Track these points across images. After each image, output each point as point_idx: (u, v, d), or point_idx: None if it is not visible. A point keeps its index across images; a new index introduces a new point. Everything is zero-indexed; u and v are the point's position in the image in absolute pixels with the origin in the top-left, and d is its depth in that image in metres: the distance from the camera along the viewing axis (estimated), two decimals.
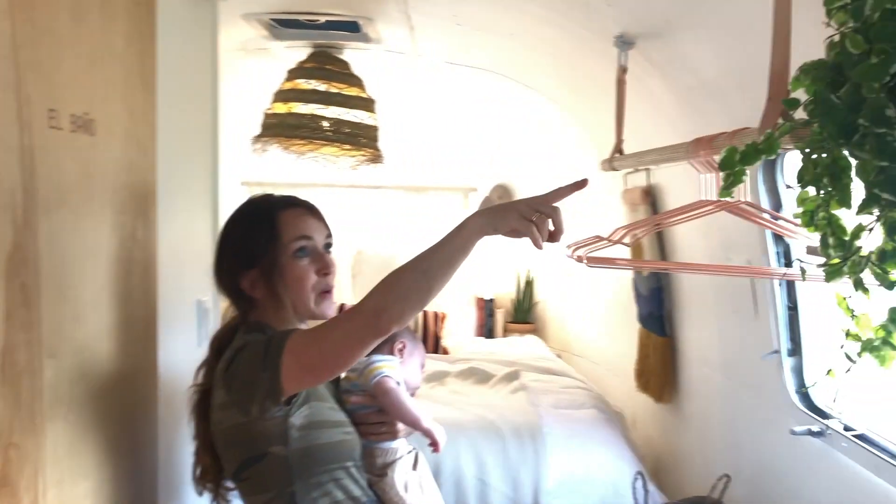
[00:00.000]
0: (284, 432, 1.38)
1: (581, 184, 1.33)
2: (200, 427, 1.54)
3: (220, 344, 1.53)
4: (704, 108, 2.16)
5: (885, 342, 0.80)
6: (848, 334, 0.87)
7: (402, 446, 1.69)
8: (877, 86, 0.75)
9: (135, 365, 1.70)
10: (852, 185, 0.84)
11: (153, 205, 1.76)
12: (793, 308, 2.03)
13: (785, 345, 2.03)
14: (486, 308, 4.85)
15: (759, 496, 2.22)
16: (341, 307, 4.31)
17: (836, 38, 0.89)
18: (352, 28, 3.23)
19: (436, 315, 4.31)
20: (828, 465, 1.82)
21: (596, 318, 4.29)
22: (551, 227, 1.27)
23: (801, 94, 0.96)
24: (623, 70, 2.22)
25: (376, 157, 3.59)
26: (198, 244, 2.20)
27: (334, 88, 3.44)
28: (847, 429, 1.80)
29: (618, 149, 2.25)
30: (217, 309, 2.36)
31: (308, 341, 1.34)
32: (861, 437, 1.74)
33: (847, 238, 0.81)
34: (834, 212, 0.83)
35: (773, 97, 1.22)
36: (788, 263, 2.02)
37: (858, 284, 0.87)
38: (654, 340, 3.08)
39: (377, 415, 1.65)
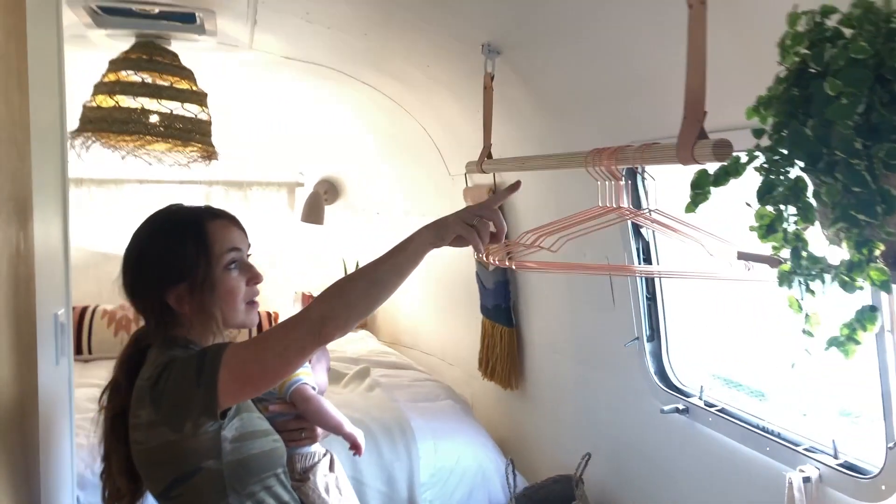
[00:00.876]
0: (217, 446, 1.35)
1: (515, 186, 1.44)
2: (114, 449, 1.48)
3: (131, 364, 1.47)
4: (566, 118, 2.32)
5: (850, 338, 0.94)
6: (805, 332, 1.02)
7: (318, 450, 1.72)
8: (850, 123, 0.88)
9: (20, 389, 1.55)
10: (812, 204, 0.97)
11: (31, 216, 1.61)
12: (651, 298, 2.24)
13: (645, 332, 2.24)
14: None
15: (628, 471, 2.43)
16: None
17: (783, 74, 1.03)
18: (186, 19, 3.08)
19: (269, 315, 4.22)
20: (694, 438, 2.04)
21: (426, 309, 4.41)
22: (493, 230, 1.35)
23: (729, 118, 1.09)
24: (490, 77, 2.32)
25: (210, 154, 3.44)
26: (53, 253, 2.03)
27: (164, 81, 3.25)
28: (708, 405, 2.03)
29: (486, 152, 2.35)
30: (69, 323, 2.20)
31: (246, 354, 1.32)
32: (722, 411, 1.97)
33: (807, 251, 0.96)
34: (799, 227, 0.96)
35: (689, 116, 1.35)
36: (647, 260, 2.23)
37: (808, 289, 1.01)
38: (501, 331, 3.24)
39: (296, 421, 1.68)
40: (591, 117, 2.20)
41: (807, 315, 1.02)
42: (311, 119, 4.41)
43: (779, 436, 1.76)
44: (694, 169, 1.36)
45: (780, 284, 1.04)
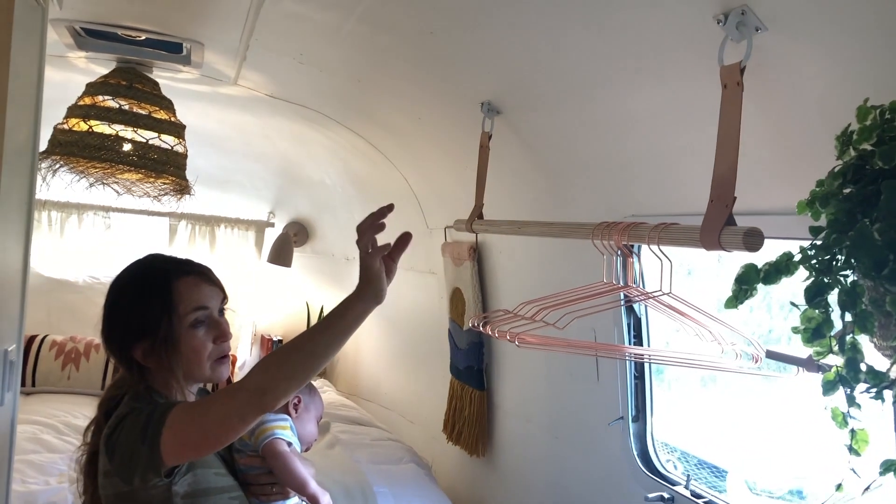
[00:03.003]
0: (168, 500, 1.34)
1: (387, 208, 1.43)
2: (89, 487, 1.49)
3: (109, 406, 1.47)
4: (562, 185, 2.25)
5: None
6: (851, 450, 0.94)
7: None
8: None
9: None
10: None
11: None
12: (638, 377, 2.16)
13: (630, 412, 2.15)
14: (275, 348, 4.64)
15: None
16: None
17: (838, 168, 0.97)
18: (172, 48, 2.99)
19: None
20: None
21: (389, 362, 4.29)
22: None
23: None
24: (488, 136, 2.25)
25: (183, 188, 3.32)
26: (10, 283, 1.89)
27: (143, 110, 3.13)
28: (695, 495, 1.94)
29: (478, 212, 2.27)
30: (19, 360, 2.05)
31: (188, 418, 1.31)
32: (710, 503, 1.88)
33: (866, 363, 0.88)
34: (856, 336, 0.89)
35: (716, 199, 1.29)
36: (638, 336, 2.15)
37: (852, 401, 0.94)
38: (471, 393, 3.13)
39: (267, 476, 1.62)
40: (588, 187, 2.14)
41: (853, 431, 0.94)
42: (287, 160, 4.31)
43: None
44: (715, 255, 1.31)
45: (825, 394, 0.96)
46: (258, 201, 4.72)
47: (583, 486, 2.41)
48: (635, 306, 2.10)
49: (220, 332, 1.48)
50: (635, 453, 2.14)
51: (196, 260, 1.55)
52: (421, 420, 3.86)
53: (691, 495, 1.94)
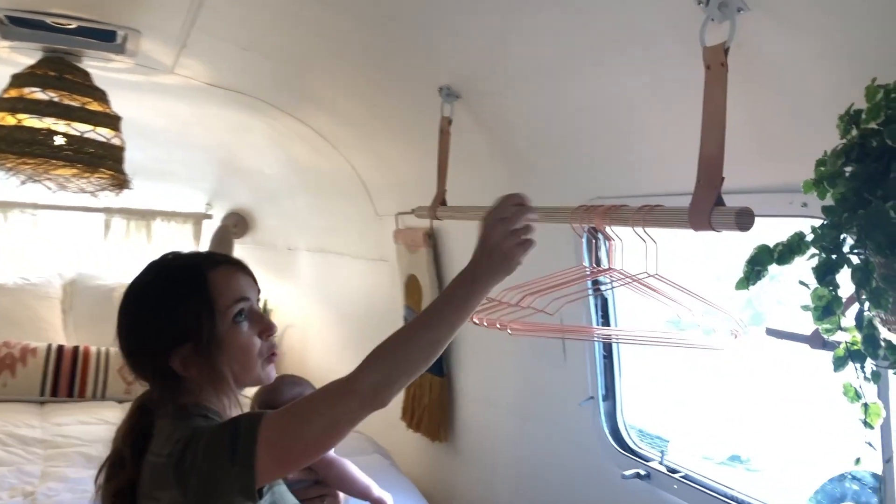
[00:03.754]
0: None
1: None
2: None
3: (136, 435, 1.29)
4: (527, 169, 2.24)
5: None
6: (865, 424, 0.96)
7: None
8: None
9: None
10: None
11: None
12: (607, 356, 2.17)
13: (600, 391, 2.17)
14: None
15: None
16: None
17: (840, 147, 0.98)
18: (105, 37, 2.85)
19: None
20: None
21: (340, 350, 4.23)
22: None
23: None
24: (448, 121, 2.22)
25: (122, 183, 3.18)
26: None
27: (76, 102, 2.98)
28: (671, 470, 1.97)
29: (441, 198, 2.24)
30: None
31: (285, 430, 1.15)
32: (686, 477, 1.91)
33: (885, 340, 0.90)
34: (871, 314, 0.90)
35: (704, 180, 1.29)
36: (605, 317, 2.17)
37: (867, 377, 0.96)
38: (431, 380, 3.11)
39: (316, 488, 1.56)
40: (554, 171, 2.13)
41: (865, 405, 0.96)
42: (225, 149, 4.19)
43: None
44: (704, 235, 1.31)
45: (836, 370, 0.98)
46: (195, 193, 4.59)
47: (554, 467, 2.42)
48: (602, 288, 2.11)
49: (266, 326, 1.33)
50: (607, 432, 2.16)
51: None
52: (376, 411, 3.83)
53: (667, 470, 1.97)
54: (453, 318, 1.22)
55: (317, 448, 1.17)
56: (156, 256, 1.41)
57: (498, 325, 1.50)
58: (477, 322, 1.57)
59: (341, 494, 1.61)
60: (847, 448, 2.22)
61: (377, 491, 1.61)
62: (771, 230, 1.23)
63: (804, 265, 1.01)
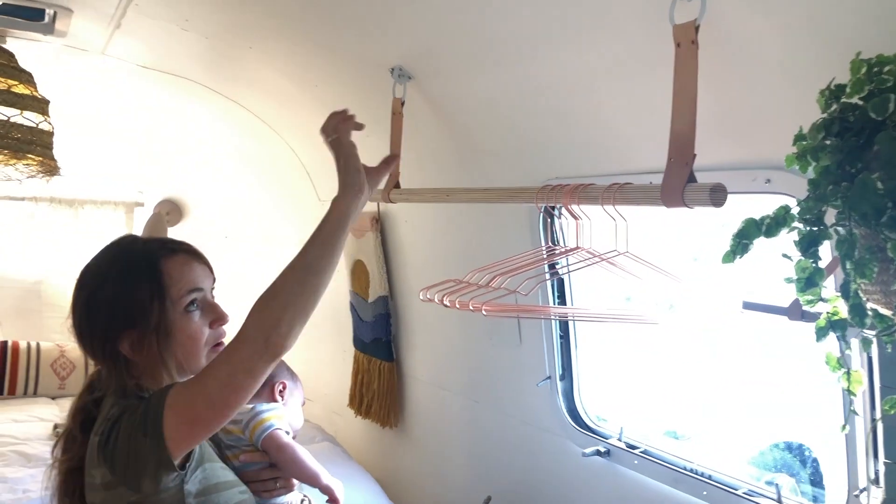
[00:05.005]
0: (181, 501, 1.21)
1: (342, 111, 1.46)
2: None
3: (84, 414, 1.31)
4: (481, 151, 2.23)
5: None
6: (849, 392, 0.98)
7: (295, 498, 1.57)
8: None
9: None
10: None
11: None
12: (563, 336, 2.19)
13: (557, 371, 2.18)
14: None
15: None
16: None
17: (819, 122, 1.00)
18: (32, 15, 2.72)
19: None
20: (617, 482, 2.00)
21: None
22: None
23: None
24: (400, 102, 2.19)
25: (52, 169, 3.04)
26: None
27: (1, 84, 2.84)
28: (630, 446, 2.00)
29: (394, 181, 2.21)
30: None
31: (189, 392, 1.18)
32: (646, 453, 1.95)
33: (873, 309, 0.92)
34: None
35: (675, 157, 1.30)
36: (562, 297, 2.18)
37: (867, 345, 0.98)
38: (380, 366, 3.09)
39: (269, 470, 1.53)
40: (510, 152, 2.13)
41: (847, 372, 0.99)
42: (157, 134, 4.05)
43: (711, 478, 1.75)
44: (677, 212, 1.33)
45: (818, 339, 1.00)
46: (126, 180, 4.43)
47: (510, 449, 2.43)
48: (558, 268, 2.12)
49: (217, 316, 1.35)
50: (565, 411, 2.18)
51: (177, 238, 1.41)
52: (319, 397, 3.78)
53: (626, 446, 2.00)
54: (319, 244, 1.25)
55: (220, 405, 1.16)
56: (106, 241, 1.40)
57: (471, 307, 1.49)
58: (448, 304, 1.55)
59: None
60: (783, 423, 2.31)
61: (325, 478, 1.59)
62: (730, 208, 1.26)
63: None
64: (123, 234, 1.40)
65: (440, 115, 2.25)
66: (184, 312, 1.30)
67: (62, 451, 1.34)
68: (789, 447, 2.32)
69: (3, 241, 4.14)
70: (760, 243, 1.06)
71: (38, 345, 3.71)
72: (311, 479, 1.56)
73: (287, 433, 1.58)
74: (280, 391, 1.69)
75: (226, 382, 1.15)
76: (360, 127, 1.42)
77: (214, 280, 1.39)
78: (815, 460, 2.24)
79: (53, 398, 3.61)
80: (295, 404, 1.72)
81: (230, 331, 1.40)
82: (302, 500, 1.59)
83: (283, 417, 1.60)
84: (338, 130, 1.39)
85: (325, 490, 1.58)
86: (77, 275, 1.36)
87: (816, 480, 2.16)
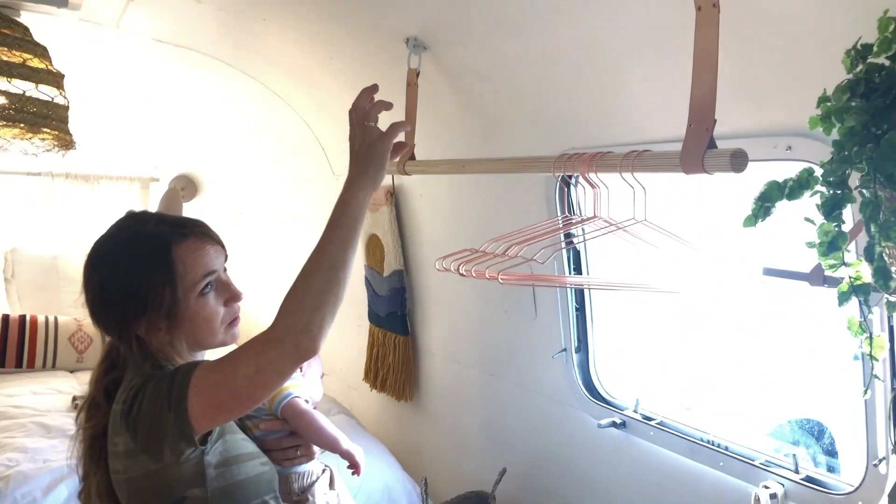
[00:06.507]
0: (201, 472, 1.22)
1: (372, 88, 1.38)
2: (92, 471, 1.33)
3: (108, 382, 1.32)
4: (497, 120, 2.22)
5: None
6: (871, 357, 0.97)
7: (316, 467, 1.57)
8: None
9: None
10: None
11: None
12: (579, 308, 2.18)
13: (573, 343, 2.18)
14: None
15: (552, 486, 2.34)
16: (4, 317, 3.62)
17: (845, 83, 0.98)
18: None
19: None
20: (634, 453, 2.00)
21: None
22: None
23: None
24: (416, 73, 2.17)
25: (68, 143, 3.05)
26: None
27: (15, 58, 2.83)
28: (646, 418, 1.99)
29: (409, 153, 2.20)
30: None
31: (215, 378, 1.18)
32: (662, 424, 1.94)
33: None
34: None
35: (695, 123, 1.28)
36: (578, 269, 2.17)
37: (892, 307, 0.97)
38: (395, 339, 3.09)
39: (289, 439, 1.53)
40: (526, 122, 2.11)
41: (870, 337, 0.97)
42: (171, 109, 4.04)
43: (728, 450, 1.75)
44: (697, 178, 1.31)
45: (840, 304, 0.99)
46: (141, 155, 4.43)
47: (525, 421, 2.43)
48: (574, 240, 2.11)
49: (231, 294, 1.35)
50: (580, 383, 2.17)
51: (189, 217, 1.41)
52: (334, 371, 3.80)
53: (642, 418, 2.00)
54: (340, 241, 1.22)
55: (244, 398, 1.17)
56: (120, 216, 1.40)
57: (487, 276, 1.48)
58: (464, 273, 1.55)
59: (315, 446, 1.58)
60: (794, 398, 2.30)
61: (345, 443, 1.59)
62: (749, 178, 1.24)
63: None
64: (134, 212, 1.39)
65: (456, 85, 2.23)
66: (199, 296, 1.30)
67: (86, 419, 1.35)
68: (806, 424, 2.31)
69: (20, 217, 4.16)
70: (774, 220, 1.05)
71: (55, 319, 3.73)
72: (331, 445, 1.56)
73: (307, 401, 1.58)
74: None
75: (253, 378, 1.15)
76: (389, 106, 1.37)
77: (226, 257, 1.39)
78: (831, 435, 2.24)
79: (71, 371, 3.64)
80: (314, 376, 1.73)
81: (252, 308, 1.41)
82: (323, 470, 1.59)
83: (301, 386, 1.60)
84: (369, 115, 1.34)
85: (346, 455, 1.58)
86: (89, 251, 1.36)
87: (833, 453, 2.16)
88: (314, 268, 1.20)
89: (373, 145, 1.30)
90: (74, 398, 3.13)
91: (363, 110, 1.33)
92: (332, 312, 1.18)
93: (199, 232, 1.35)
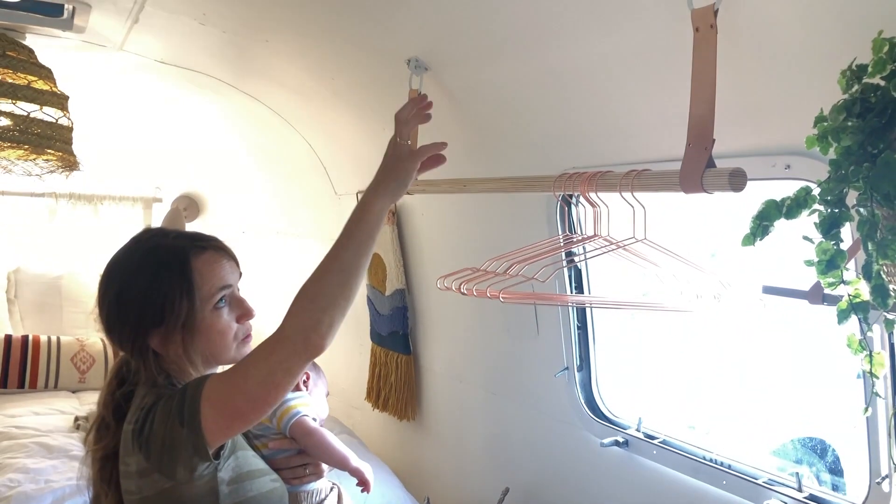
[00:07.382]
0: (214, 490, 1.23)
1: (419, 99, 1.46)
2: (103, 493, 1.34)
3: (117, 401, 1.33)
4: (497, 141, 2.23)
5: None
6: (871, 374, 0.97)
7: (325, 485, 1.58)
8: None
9: None
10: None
11: None
12: (581, 327, 2.18)
13: (575, 362, 2.18)
14: None
15: None
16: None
17: (840, 103, 0.99)
18: (51, 11, 2.74)
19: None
20: (636, 472, 1.99)
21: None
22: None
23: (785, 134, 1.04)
24: (417, 94, 2.19)
25: (72, 164, 3.07)
26: None
27: (21, 80, 2.86)
28: (648, 436, 1.99)
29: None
30: None
31: (227, 386, 1.19)
32: (664, 443, 1.94)
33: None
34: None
35: (694, 142, 1.30)
36: (580, 288, 2.18)
37: (890, 325, 0.97)
38: (397, 359, 3.09)
39: (299, 457, 1.54)
40: (527, 141, 2.13)
41: (869, 355, 0.98)
42: (174, 130, 4.07)
43: (731, 468, 1.74)
44: (697, 197, 1.32)
45: (840, 322, 0.99)
46: (144, 175, 4.46)
47: (528, 440, 2.43)
48: (575, 259, 2.12)
49: (244, 311, 1.37)
50: (582, 401, 2.17)
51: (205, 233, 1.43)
52: (337, 391, 3.79)
53: (644, 436, 1.99)
54: (356, 245, 1.24)
55: (258, 401, 1.17)
56: (129, 235, 1.42)
57: (488, 294, 1.49)
58: (465, 292, 1.55)
59: (324, 464, 1.59)
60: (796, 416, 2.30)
61: (355, 461, 1.60)
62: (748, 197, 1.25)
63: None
64: (152, 227, 1.41)
65: (457, 106, 2.25)
66: (213, 309, 1.32)
67: (95, 440, 1.35)
68: (810, 442, 2.30)
69: (24, 238, 4.18)
70: (773, 239, 1.06)
71: (58, 339, 3.74)
72: (341, 463, 1.57)
73: (314, 420, 1.59)
74: (304, 381, 1.70)
75: (264, 380, 1.16)
76: (427, 119, 1.43)
77: (241, 275, 1.41)
78: (835, 454, 2.23)
79: (74, 391, 3.64)
80: (319, 394, 1.73)
81: (255, 325, 1.43)
82: (332, 488, 1.59)
83: (309, 405, 1.61)
84: (409, 123, 1.38)
85: (355, 472, 1.59)
86: (103, 266, 1.37)
87: (837, 472, 2.15)
88: (326, 271, 1.22)
89: (401, 160, 1.34)
90: (76, 418, 3.13)
91: (403, 120, 1.39)
92: (341, 314, 1.20)
93: (216, 246, 1.37)
